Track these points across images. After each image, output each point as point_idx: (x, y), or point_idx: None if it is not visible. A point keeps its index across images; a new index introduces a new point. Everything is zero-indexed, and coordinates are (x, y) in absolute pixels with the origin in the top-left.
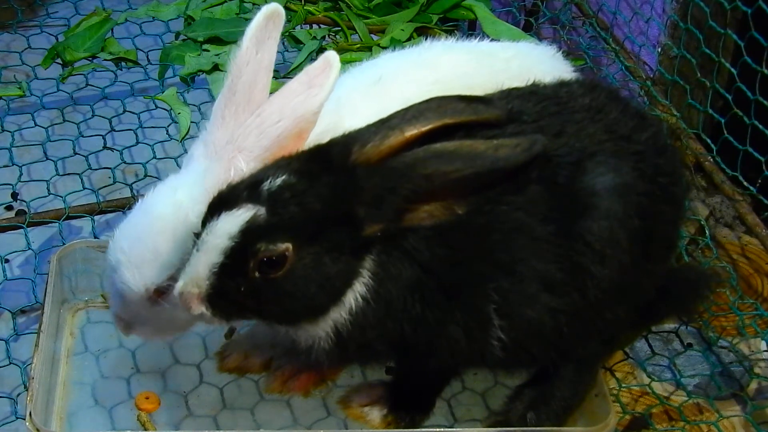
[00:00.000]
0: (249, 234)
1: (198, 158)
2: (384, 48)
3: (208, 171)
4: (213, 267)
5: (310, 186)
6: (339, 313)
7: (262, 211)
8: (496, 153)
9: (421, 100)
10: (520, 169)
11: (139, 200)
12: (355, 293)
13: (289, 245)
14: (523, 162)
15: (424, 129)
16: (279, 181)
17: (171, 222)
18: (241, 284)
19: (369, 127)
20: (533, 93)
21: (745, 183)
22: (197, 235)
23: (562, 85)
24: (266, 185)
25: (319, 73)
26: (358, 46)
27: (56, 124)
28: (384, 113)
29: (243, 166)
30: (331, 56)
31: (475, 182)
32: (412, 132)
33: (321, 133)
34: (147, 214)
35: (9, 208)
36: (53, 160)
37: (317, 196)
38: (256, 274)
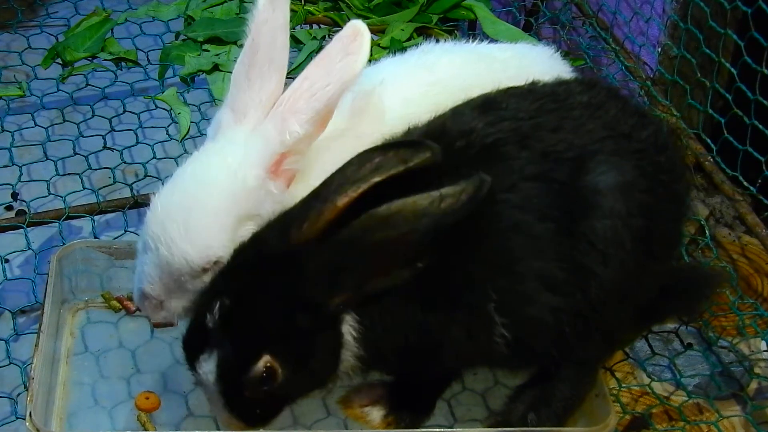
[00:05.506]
0: (229, 372)
1: (228, 124)
2: (384, 48)
3: (260, 133)
4: (221, 399)
5: (255, 294)
6: (345, 359)
7: (225, 344)
8: (441, 206)
9: (343, 162)
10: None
11: (175, 174)
12: (349, 347)
13: (266, 356)
14: (471, 208)
15: (354, 195)
16: (218, 307)
17: (228, 186)
18: (253, 403)
19: (302, 202)
20: (531, 91)
21: (745, 183)
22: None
23: (560, 83)
24: (210, 320)
25: (351, 41)
26: None
27: (56, 124)
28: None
29: (297, 129)
30: (358, 24)
31: (427, 238)
32: (344, 201)
33: (327, 133)
34: (197, 181)
35: (9, 208)
36: (53, 160)
37: (266, 301)
38: (259, 392)
